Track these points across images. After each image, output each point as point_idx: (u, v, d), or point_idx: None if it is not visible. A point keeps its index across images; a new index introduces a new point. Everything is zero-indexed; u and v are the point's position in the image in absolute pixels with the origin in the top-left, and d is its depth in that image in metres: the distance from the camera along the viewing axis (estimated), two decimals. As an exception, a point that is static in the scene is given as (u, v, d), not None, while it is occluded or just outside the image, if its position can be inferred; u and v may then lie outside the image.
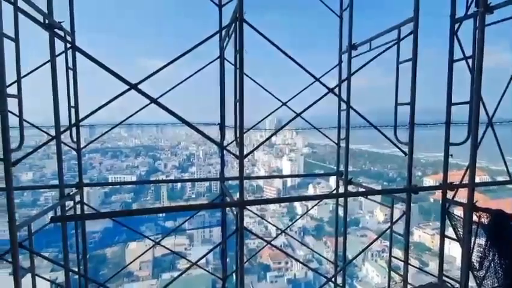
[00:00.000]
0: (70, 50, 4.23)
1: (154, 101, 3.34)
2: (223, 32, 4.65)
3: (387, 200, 4.74)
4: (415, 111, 3.92)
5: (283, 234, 6.45)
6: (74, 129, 4.48)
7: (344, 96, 4.90)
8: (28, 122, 3.80)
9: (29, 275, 3.61)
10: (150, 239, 5.85)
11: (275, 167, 78.00)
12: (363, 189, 5.13)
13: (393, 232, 4.55)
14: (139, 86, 3.03)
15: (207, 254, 4.64)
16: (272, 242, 5.73)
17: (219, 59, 5.00)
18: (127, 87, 3.07)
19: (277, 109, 5.18)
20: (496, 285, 4.01)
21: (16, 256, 2.85)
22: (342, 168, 5.54)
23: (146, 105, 4.13)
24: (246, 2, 3.24)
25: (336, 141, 5.63)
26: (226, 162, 5.52)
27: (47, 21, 3.56)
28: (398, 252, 5.14)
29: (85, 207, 4.95)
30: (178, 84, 4.91)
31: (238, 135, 3.49)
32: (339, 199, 5.86)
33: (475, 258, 4.13)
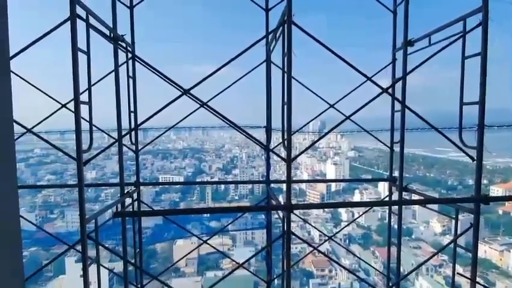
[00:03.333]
0: (131, 59, 4.61)
1: (204, 104, 3.48)
2: (270, 36, 4.67)
3: (446, 209, 4.27)
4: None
5: (328, 240, 6.21)
6: (132, 132, 4.87)
7: (396, 96, 4.58)
8: (95, 126, 4.22)
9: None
10: (198, 237, 6.09)
11: (318, 171, 75.98)
12: (421, 197, 4.71)
13: (457, 246, 4.08)
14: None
15: (253, 256, 4.67)
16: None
17: (265, 63, 5.03)
18: (179, 92, 3.26)
19: (324, 111, 5.03)
20: None
21: (85, 247, 3.16)
22: (394, 173, 5.16)
23: (197, 109, 4.31)
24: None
25: (388, 145, 5.28)
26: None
27: (112, 35, 3.94)
28: (458, 268, 4.60)
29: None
30: (226, 88, 5.04)
31: (286, 138, 3.46)
32: (391, 207, 5.46)
33: None
